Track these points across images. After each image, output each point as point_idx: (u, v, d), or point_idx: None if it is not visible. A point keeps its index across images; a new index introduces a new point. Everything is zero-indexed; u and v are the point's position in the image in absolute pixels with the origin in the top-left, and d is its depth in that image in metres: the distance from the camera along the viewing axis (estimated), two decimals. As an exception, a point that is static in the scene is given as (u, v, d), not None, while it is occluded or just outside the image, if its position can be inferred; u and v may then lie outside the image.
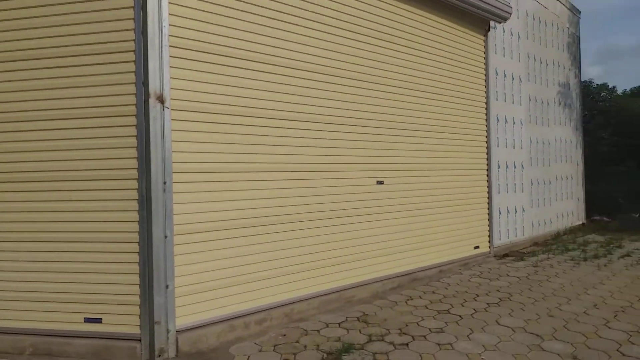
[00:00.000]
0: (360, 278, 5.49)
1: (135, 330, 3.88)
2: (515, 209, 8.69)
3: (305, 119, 4.95)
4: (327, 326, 4.59)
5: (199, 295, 4.11)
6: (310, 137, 5.00)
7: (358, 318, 4.81)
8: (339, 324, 4.65)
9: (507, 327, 4.52)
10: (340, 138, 5.31)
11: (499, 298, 5.46)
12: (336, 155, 5.26)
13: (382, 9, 5.78)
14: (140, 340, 3.86)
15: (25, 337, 4.00)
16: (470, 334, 4.37)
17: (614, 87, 30.14)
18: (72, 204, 3.96)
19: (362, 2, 5.54)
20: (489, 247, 7.62)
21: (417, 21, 6.28)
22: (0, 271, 4.07)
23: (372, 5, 5.65)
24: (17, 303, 4.04)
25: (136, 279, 3.87)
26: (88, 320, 3.94)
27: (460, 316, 4.85)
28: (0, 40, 4.02)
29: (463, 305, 5.20)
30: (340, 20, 5.28)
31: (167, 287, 3.87)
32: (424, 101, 6.37)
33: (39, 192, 4.01)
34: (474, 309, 5.06)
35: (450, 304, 5.24)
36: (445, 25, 6.73)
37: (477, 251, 7.36)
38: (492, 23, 7.68)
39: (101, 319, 3.92)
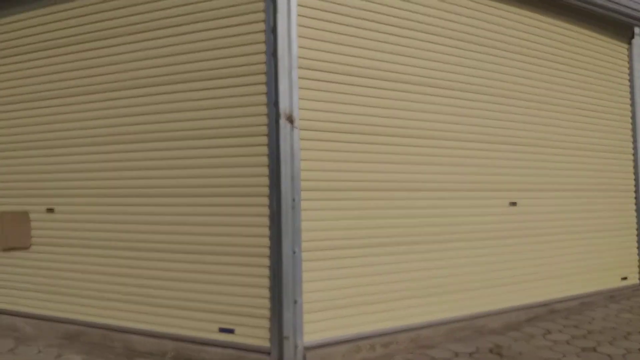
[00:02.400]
0: (492, 307, 5.14)
1: (266, 344, 3.98)
2: (671, 237, 7.63)
3: (436, 136, 4.80)
4: (457, 356, 4.34)
5: (326, 313, 4.11)
6: (441, 155, 4.84)
7: (490, 349, 4.49)
8: (470, 354, 4.38)
9: (671, 373, 3.93)
10: (474, 156, 5.07)
11: (657, 338, 4.78)
12: (467, 175, 5.03)
13: (519, 22, 5.50)
14: (269, 353, 3.95)
15: (168, 342, 4.29)
16: (624, 377, 3.86)
17: None
18: (210, 219, 4.21)
19: (500, 17, 5.32)
20: (639, 278, 6.76)
21: (553, 32, 5.87)
22: (150, 279, 4.44)
23: (510, 20, 5.41)
24: (162, 309, 4.37)
25: (267, 292, 3.98)
26: (222, 330, 4.13)
27: (609, 356, 4.31)
28: (152, 67, 4.43)
29: (612, 344, 4.62)
30: (473, 35, 5.10)
31: (295, 302, 3.93)
32: (561, 116, 5.89)
33: (179, 207, 4.32)
34: (626, 349, 4.47)
35: (597, 341, 4.69)
36: (583, 34, 6.21)
37: (625, 283, 6.56)
38: (636, 29, 6.92)
39: (234, 329, 4.09)
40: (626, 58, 6.81)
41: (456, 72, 5.01)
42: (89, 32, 4.71)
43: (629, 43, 6.86)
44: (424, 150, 4.75)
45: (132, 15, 4.49)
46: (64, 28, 4.83)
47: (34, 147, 5.06)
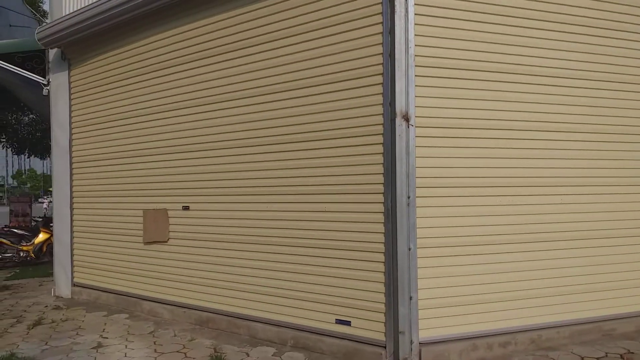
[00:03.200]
0: (623, 309, 4.76)
1: (381, 337, 4.08)
2: None
3: (563, 129, 4.56)
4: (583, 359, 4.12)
5: (442, 310, 4.12)
6: (572, 148, 4.59)
7: (622, 355, 4.19)
8: (598, 359, 4.12)
9: None
10: (611, 149, 4.74)
11: None
12: (589, 168, 4.69)
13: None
14: (385, 347, 4.05)
15: (288, 330, 4.58)
16: None
17: None
18: (327, 215, 4.40)
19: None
20: None
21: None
22: (273, 270, 4.74)
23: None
24: (283, 299, 4.66)
25: (382, 287, 4.08)
26: (339, 321, 4.30)
27: None
28: (284, 72, 4.68)
29: None
30: (600, 19, 4.71)
31: (410, 298, 3.98)
32: None
33: (306, 204, 4.55)
34: None
35: None
36: None
37: None
38: None
39: (350, 321, 4.24)
40: None
41: (590, 62, 4.66)
42: (229, 43, 5.07)
43: None
44: (550, 143, 4.52)
45: (266, 25, 4.78)
46: (208, 40, 5.24)
47: (173, 152, 5.60)
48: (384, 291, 4.07)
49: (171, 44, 5.57)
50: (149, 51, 5.79)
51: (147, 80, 5.83)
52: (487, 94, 4.31)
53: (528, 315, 4.40)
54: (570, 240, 4.58)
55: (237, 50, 5.00)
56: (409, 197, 4.03)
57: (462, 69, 4.23)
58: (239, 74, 4.99)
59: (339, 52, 4.32)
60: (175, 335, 4.99)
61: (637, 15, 4.87)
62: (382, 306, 4.08)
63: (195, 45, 5.34)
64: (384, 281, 4.08)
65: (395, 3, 3.99)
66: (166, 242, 5.65)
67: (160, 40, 5.67)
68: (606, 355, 4.19)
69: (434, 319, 4.08)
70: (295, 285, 4.60)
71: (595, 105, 4.69)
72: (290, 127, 4.63)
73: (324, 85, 4.41)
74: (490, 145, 4.32)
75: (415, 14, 4.07)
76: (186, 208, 5.45)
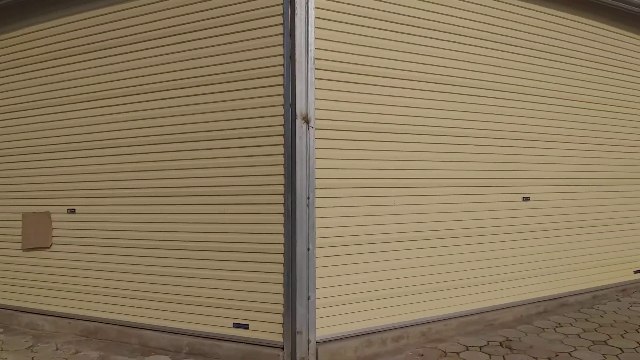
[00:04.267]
0: (503, 300, 5.19)
1: (279, 338, 4.07)
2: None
3: (446, 133, 4.83)
4: (467, 349, 4.40)
5: (339, 308, 4.19)
6: (455, 151, 4.89)
7: (501, 343, 4.54)
8: (480, 347, 4.44)
9: (682, 366, 3.97)
10: (484, 152, 5.10)
11: (669, 332, 4.81)
12: (480, 170, 5.07)
13: (530, 17, 5.46)
14: (282, 348, 4.04)
15: (182, 337, 4.40)
16: (635, 371, 3.90)
17: None
18: (225, 216, 4.30)
19: (511, 12, 5.29)
20: (652, 272, 6.76)
21: (570, 27, 5.82)
22: (165, 276, 4.54)
23: (520, 15, 5.38)
24: (176, 305, 4.47)
25: (281, 288, 4.07)
26: (236, 325, 4.22)
27: (620, 349, 4.35)
28: (173, 70, 4.51)
29: (624, 337, 4.66)
30: (492, 33, 5.11)
31: (308, 298, 4.01)
32: (577, 111, 5.87)
33: (199, 205, 4.41)
34: (638, 343, 4.51)
35: (608, 335, 4.73)
36: (600, 28, 6.16)
37: (638, 276, 6.55)
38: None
39: (248, 325, 4.18)
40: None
41: (472, 70, 5.01)
42: (111, 39, 4.80)
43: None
44: (437, 147, 4.79)
45: (156, 21, 4.58)
46: (87, 35, 4.93)
47: (55, 151, 5.17)
48: (282, 292, 4.07)
49: (46, 37, 5.18)
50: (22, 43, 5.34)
51: (23, 73, 5.36)
52: (380, 98, 4.45)
53: (419, 310, 4.62)
54: (455, 238, 4.88)
55: (123, 45, 4.76)
56: (308, 198, 4.06)
57: (358, 74, 4.34)
58: (124, 70, 4.76)
59: (240, 51, 4.23)
60: (57, 349, 4.59)
61: (515, 29, 5.34)
62: (281, 307, 4.07)
63: (73, 39, 5.02)
64: (282, 282, 4.07)
65: (296, 5, 3.99)
66: (48, 248, 5.19)
67: (33, 32, 5.25)
68: (488, 344, 4.52)
69: (331, 317, 4.15)
70: (191, 291, 4.43)
71: (475, 112, 5.04)
72: (187, 125, 4.46)
73: (220, 85, 4.31)
74: (384, 148, 4.47)
75: (315, 17, 4.10)
76: (72, 211, 5.05)
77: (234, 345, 4.20)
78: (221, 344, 4.25)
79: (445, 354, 4.29)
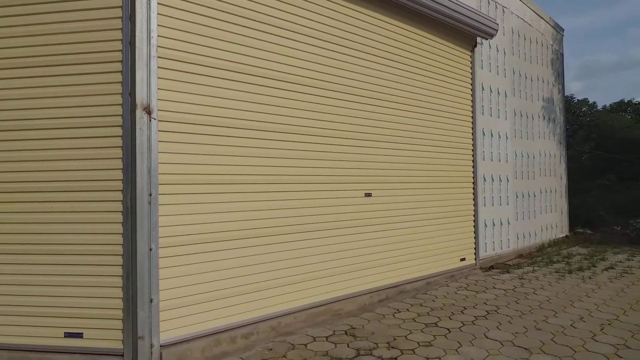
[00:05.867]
0: (348, 291, 5.45)
1: (118, 346, 3.78)
2: (501, 222, 8.74)
3: (290, 130, 4.92)
4: (315, 340, 4.53)
5: (185, 309, 4.03)
6: (296, 149, 4.98)
7: (346, 332, 4.76)
8: (327, 337, 4.60)
9: (495, 340, 4.51)
10: (327, 150, 5.30)
11: (486, 311, 5.45)
12: (321, 168, 5.24)
13: (366, 22, 5.80)
14: (122, 355, 3.77)
15: (1, 353, 3.87)
16: (459, 347, 4.34)
17: (594, 102, 30.85)
18: (53, 216, 3.87)
19: (347, 15, 5.55)
20: (475, 259, 7.64)
21: (404, 35, 6.33)
22: (-22, 284, 3.95)
23: (356, 19, 5.66)
24: (-4, 318, 3.93)
25: (119, 292, 3.79)
26: (68, 335, 3.83)
27: (448, 329, 4.82)
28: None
29: (451, 318, 5.18)
30: (324, 32, 5.28)
31: (151, 301, 3.78)
32: (411, 115, 6.41)
33: (20, 203, 3.91)
34: (462, 322, 5.04)
35: (438, 317, 5.22)
36: (432, 40, 6.80)
37: (464, 263, 7.37)
38: (478, 39, 7.77)
39: (82, 333, 3.81)
40: (469, 64, 7.62)
41: (317, 71, 5.18)
42: None
43: (472, 51, 7.67)
44: (281, 144, 4.85)
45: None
46: None
47: None
48: (121, 296, 3.78)
49: None
50: None
51: None
52: (226, 92, 4.39)
53: (268, 305, 4.65)
54: (302, 233, 5.01)
55: None
56: (150, 195, 3.83)
57: (205, 65, 4.22)
58: None
59: (71, 32, 3.84)
60: None
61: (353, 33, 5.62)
62: (120, 312, 3.78)
63: None
64: (122, 285, 3.79)
65: (136, -13, 3.74)
66: None
67: None
68: (334, 333, 4.70)
69: (176, 319, 3.96)
70: (14, 300, 3.90)
71: (317, 111, 5.23)
72: (6, 112, 3.92)
73: (55, 67, 3.87)
74: (229, 143, 4.41)
75: (158, 3, 3.89)
76: None
77: (66, 356, 3.80)
78: (50, 356, 3.81)
79: (293, 346, 4.36)
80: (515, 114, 9.46)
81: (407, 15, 6.32)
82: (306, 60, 5.07)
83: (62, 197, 3.87)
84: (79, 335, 3.81)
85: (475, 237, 7.65)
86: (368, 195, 5.76)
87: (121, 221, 3.80)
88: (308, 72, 5.09)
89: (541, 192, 10.49)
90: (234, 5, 4.44)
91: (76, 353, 3.80)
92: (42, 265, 3.88)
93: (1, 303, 3.91)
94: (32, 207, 3.90)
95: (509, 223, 9.00)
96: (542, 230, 10.46)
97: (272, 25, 4.76)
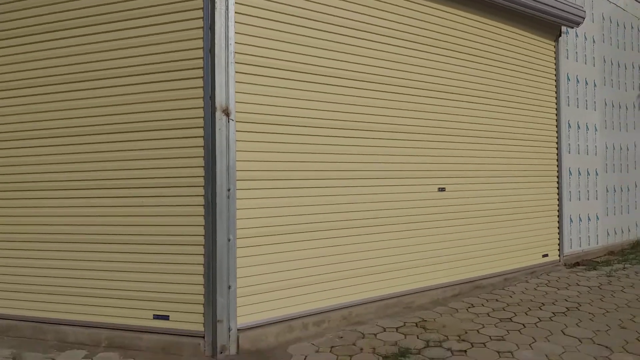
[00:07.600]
0: (420, 284, 5.48)
1: (199, 328, 4.12)
2: (589, 217, 8.27)
3: (366, 127, 5.04)
4: (385, 330, 4.63)
5: (260, 296, 4.30)
6: (372, 145, 5.10)
7: (416, 324, 4.81)
8: (397, 328, 4.68)
9: (574, 337, 4.36)
10: (403, 146, 5.36)
11: (567, 307, 5.25)
12: (399, 163, 5.32)
13: (442, 18, 5.76)
14: (203, 337, 4.10)
15: (101, 331, 4.35)
16: (533, 342, 4.25)
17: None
18: (144, 209, 4.29)
19: (422, 12, 5.55)
20: (559, 255, 7.33)
21: (481, 29, 6.19)
22: (81, 270, 4.46)
23: (431, 15, 5.66)
24: (94, 299, 4.42)
25: (201, 279, 4.12)
26: (157, 317, 4.24)
27: (523, 325, 4.73)
28: (90, 61, 4.43)
29: (527, 314, 5.05)
30: (399, 31, 5.33)
31: (229, 287, 4.09)
32: (489, 108, 6.27)
33: (119, 198, 4.36)
34: (539, 318, 4.91)
35: (514, 312, 5.11)
36: (512, 32, 6.59)
37: (546, 259, 7.10)
38: (563, 28, 7.42)
39: (169, 316, 4.20)
40: (553, 55, 7.31)
41: (391, 69, 5.25)
42: (34, 25, 4.63)
43: (556, 41, 7.35)
44: (356, 140, 4.98)
45: (74, 10, 4.47)
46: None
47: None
48: (203, 283, 4.12)
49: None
50: None
51: None
52: (301, 93, 4.58)
53: (340, 295, 4.81)
54: (374, 227, 5.11)
55: (42, 33, 4.60)
56: (229, 190, 4.12)
57: (278, 69, 4.44)
58: (40, 60, 4.59)
59: (159, 43, 4.23)
60: (-35, 350, 4.42)
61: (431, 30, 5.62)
62: (201, 297, 4.12)
63: None
64: (203, 273, 4.12)
65: (216, 0, 4.05)
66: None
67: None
68: (404, 325, 4.78)
69: (251, 305, 4.24)
70: (111, 284, 4.37)
71: (394, 108, 5.31)
72: (108, 117, 4.38)
73: (145, 75, 4.27)
74: (303, 141, 4.61)
75: (235, 12, 4.17)
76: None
77: (155, 336, 4.21)
78: (142, 335, 4.24)
79: (363, 335, 4.49)
80: (606, 104, 8.89)
81: (484, 8, 6.19)
82: (379, 59, 5.16)
83: (152, 193, 4.27)
84: (166, 318, 4.20)
85: (559, 233, 7.34)
86: (442, 189, 5.75)
87: (203, 214, 4.13)
88: (381, 70, 5.17)
89: (636, 185, 9.77)
90: (307, 9, 4.64)
91: (163, 333, 4.20)
92: (136, 254, 4.30)
93: (103, 287, 4.39)
94: (127, 201, 4.35)
95: (597, 218, 8.49)
96: (637, 226, 9.74)
97: (345, 27, 4.90)
